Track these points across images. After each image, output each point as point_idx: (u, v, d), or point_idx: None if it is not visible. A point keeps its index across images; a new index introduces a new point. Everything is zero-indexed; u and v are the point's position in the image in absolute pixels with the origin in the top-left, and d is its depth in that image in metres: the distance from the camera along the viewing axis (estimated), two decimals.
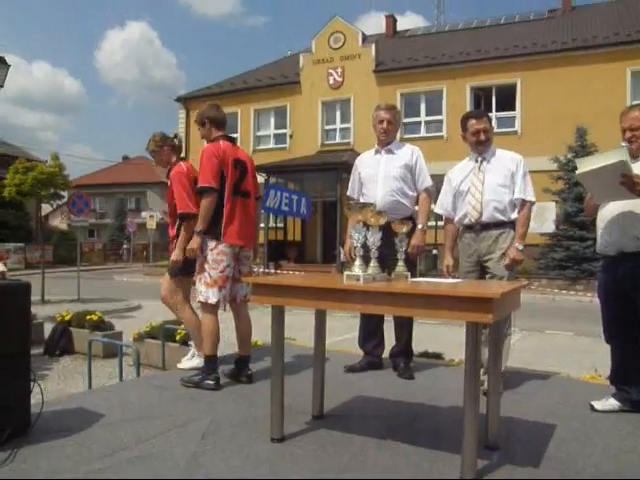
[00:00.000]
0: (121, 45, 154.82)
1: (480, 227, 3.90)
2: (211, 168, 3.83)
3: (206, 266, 3.88)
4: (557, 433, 3.02)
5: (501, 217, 3.86)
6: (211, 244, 3.86)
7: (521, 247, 3.82)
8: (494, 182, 3.87)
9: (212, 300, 3.86)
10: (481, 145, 3.96)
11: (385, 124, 4.26)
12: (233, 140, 4.16)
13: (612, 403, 3.41)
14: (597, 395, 3.53)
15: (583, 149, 16.87)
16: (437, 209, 4.28)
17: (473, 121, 3.99)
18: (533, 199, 3.89)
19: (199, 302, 3.94)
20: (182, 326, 6.36)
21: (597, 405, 3.43)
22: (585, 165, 3.10)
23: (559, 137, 17.02)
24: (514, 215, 3.89)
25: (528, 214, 3.89)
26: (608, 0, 24.04)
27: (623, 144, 3.30)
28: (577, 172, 3.14)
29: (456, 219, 4.08)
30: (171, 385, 3.96)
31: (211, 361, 3.89)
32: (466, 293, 2.37)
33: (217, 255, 3.86)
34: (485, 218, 3.87)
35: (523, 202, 3.87)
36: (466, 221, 3.97)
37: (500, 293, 2.24)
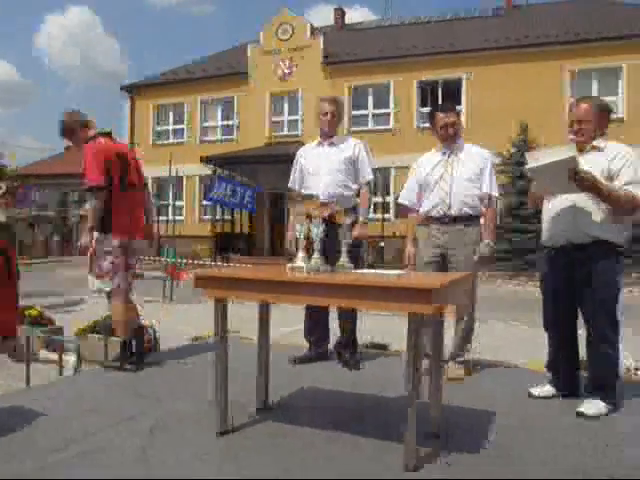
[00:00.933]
0: (62, 30, 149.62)
1: (448, 219, 3.95)
2: (97, 165, 3.93)
3: (97, 258, 4.04)
4: (498, 420, 3.10)
5: (469, 211, 3.94)
6: (100, 237, 4.01)
7: (492, 243, 3.91)
8: (463, 176, 3.94)
9: (106, 289, 4.07)
10: (449, 138, 4.01)
11: (329, 116, 4.27)
12: (109, 134, 4.22)
13: (548, 389, 3.53)
14: (536, 382, 3.64)
15: (525, 144, 17.32)
16: (401, 199, 4.31)
17: (441, 115, 4.03)
18: (498, 195, 4.01)
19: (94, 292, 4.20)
20: None
21: (534, 391, 3.54)
22: (535, 160, 3.16)
23: (503, 132, 17.43)
24: (481, 209, 3.98)
25: (496, 210, 4.02)
26: (549, 1, 24.74)
27: (571, 137, 3.37)
28: (527, 167, 3.19)
29: (422, 210, 4.10)
30: (115, 380, 3.89)
31: (124, 347, 4.12)
32: (406, 284, 2.40)
33: (107, 247, 4.02)
34: (453, 211, 3.93)
35: (490, 198, 3.96)
36: (433, 212, 4.00)
37: (440, 284, 2.28)
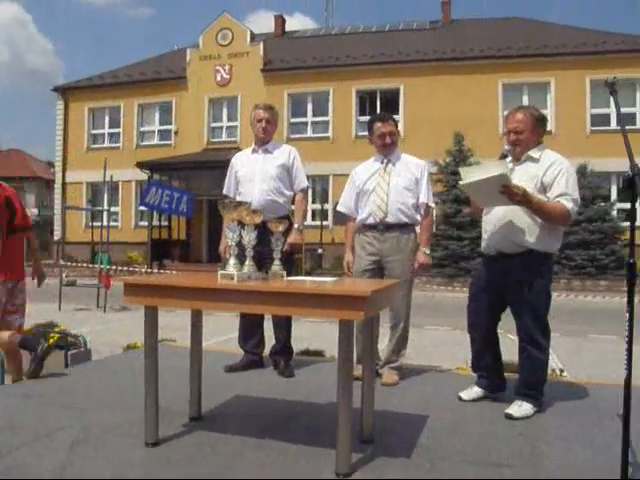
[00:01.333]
0: None
1: (384, 227, 3.99)
2: None
3: None
4: (429, 423, 3.15)
5: (405, 219, 3.99)
6: None
7: (428, 251, 3.99)
8: (399, 184, 3.99)
9: None
10: (386, 148, 4.07)
11: (264, 123, 4.27)
12: None
13: (476, 391, 3.62)
14: (467, 385, 3.72)
15: (461, 153, 17.84)
16: (339, 207, 4.35)
17: (379, 124, 4.09)
18: (434, 204, 4.11)
19: None
20: (56, 329, 6.04)
21: (463, 395, 3.62)
22: (468, 175, 3.23)
23: (439, 142, 17.86)
24: (416, 218, 4.05)
25: (432, 219, 4.11)
26: (485, 17, 25.60)
27: (506, 147, 3.46)
28: (461, 183, 3.26)
29: (359, 218, 4.15)
30: (40, 392, 3.72)
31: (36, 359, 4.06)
32: (338, 292, 2.41)
33: None
34: (389, 219, 3.97)
35: (427, 207, 4.04)
36: (370, 220, 4.04)
37: (371, 291, 2.31)
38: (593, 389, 3.98)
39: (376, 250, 4.02)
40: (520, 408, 3.30)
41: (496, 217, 3.45)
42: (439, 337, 7.97)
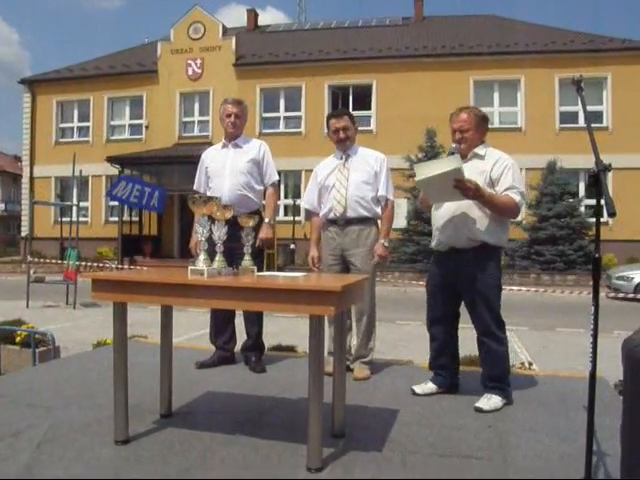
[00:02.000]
0: None
1: (344, 222, 4.03)
2: None
3: None
4: (399, 418, 3.17)
5: (365, 213, 4.03)
6: None
7: (387, 243, 4.02)
8: (358, 179, 4.03)
9: None
10: (341, 143, 4.12)
11: (233, 118, 4.26)
12: None
13: (430, 387, 3.66)
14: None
15: (432, 149, 17.95)
16: (303, 203, 4.41)
17: (333, 120, 4.16)
18: (393, 198, 4.13)
19: None
20: (23, 327, 5.94)
21: (417, 389, 3.65)
22: (423, 171, 3.25)
23: (411, 137, 17.96)
24: (377, 211, 4.08)
25: (392, 211, 4.13)
26: (457, 14, 25.80)
27: (453, 145, 3.54)
28: (416, 179, 3.29)
29: (321, 213, 4.18)
30: (5, 391, 3.64)
31: None
32: (308, 287, 2.42)
33: None
34: (349, 213, 4.01)
35: (387, 200, 4.07)
36: (331, 215, 4.08)
37: (341, 286, 2.31)
38: (560, 381, 4.06)
39: (337, 245, 4.07)
40: (489, 401, 3.35)
41: (447, 213, 3.52)
42: (411, 332, 8.03)
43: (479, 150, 3.52)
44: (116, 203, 17.72)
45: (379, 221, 4.16)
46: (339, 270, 4.06)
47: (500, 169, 3.41)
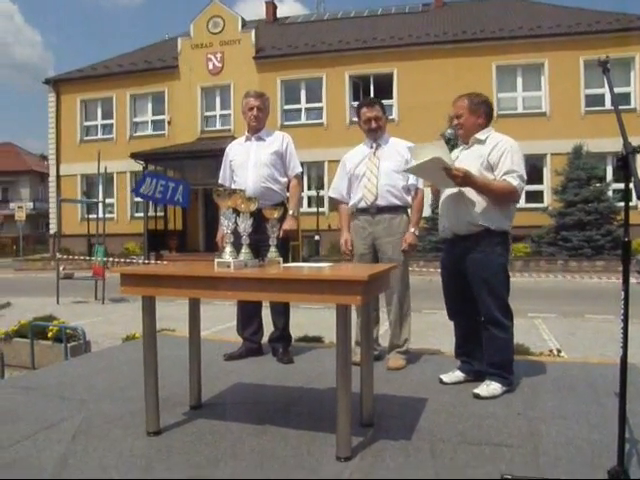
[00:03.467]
0: None
1: (375, 210, 4.03)
2: None
3: None
4: (428, 406, 3.17)
5: (395, 201, 4.02)
6: None
7: (417, 232, 4.00)
8: (389, 168, 4.02)
9: None
10: (372, 132, 4.10)
11: (255, 111, 4.27)
12: None
13: (457, 375, 3.65)
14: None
15: (455, 137, 17.76)
16: (331, 193, 4.40)
17: (365, 109, 4.13)
18: (423, 186, 4.10)
19: None
20: (55, 322, 6.06)
21: (445, 378, 3.64)
22: (417, 155, 3.31)
23: (433, 125, 17.76)
24: (407, 200, 4.07)
25: (422, 201, 4.11)
26: None
27: (449, 130, 3.66)
28: (406, 168, 3.39)
29: (351, 203, 4.18)
30: (40, 385, 3.74)
31: None
32: (335, 277, 2.42)
33: None
34: (380, 202, 4.00)
35: (417, 189, 4.05)
36: (361, 204, 4.07)
37: (367, 275, 2.31)
38: (590, 368, 4.01)
39: (368, 234, 4.06)
40: (488, 388, 3.33)
41: (449, 199, 3.52)
42: (438, 321, 7.98)
43: (480, 135, 3.48)
44: (141, 199, 17.91)
45: (409, 210, 4.14)
46: (370, 259, 4.05)
47: (499, 153, 3.37)
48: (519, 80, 20.25)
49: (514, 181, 3.31)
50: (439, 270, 3.77)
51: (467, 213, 3.41)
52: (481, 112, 3.51)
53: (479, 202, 3.38)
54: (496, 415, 3.03)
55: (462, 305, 3.59)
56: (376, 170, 4.03)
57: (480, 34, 20.54)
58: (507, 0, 24.13)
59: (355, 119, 21.31)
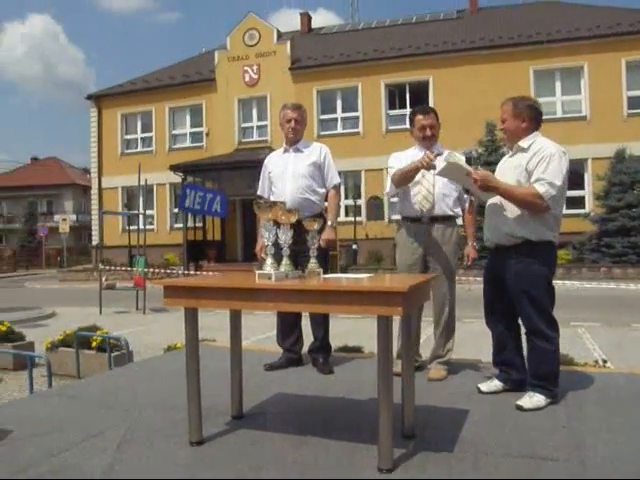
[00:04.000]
0: (22, 39, 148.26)
1: (429, 219, 3.95)
2: None
3: None
4: (470, 417, 3.13)
5: (449, 211, 3.97)
6: None
7: (477, 245, 3.95)
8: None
9: None
10: (427, 140, 4.03)
11: (293, 123, 4.29)
12: None
13: (496, 384, 3.59)
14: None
15: (493, 143, 17.61)
16: (388, 191, 4.15)
17: (420, 117, 4.07)
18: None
19: None
20: (98, 332, 6.18)
21: (483, 387, 3.59)
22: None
23: (470, 132, 17.66)
24: (458, 211, 4.03)
25: (473, 212, 4.09)
26: (512, 3, 25.20)
27: (467, 149, 3.62)
28: (436, 170, 3.49)
29: (402, 209, 4.09)
30: (86, 394, 3.83)
31: None
32: (375, 288, 2.42)
33: None
34: (436, 211, 3.94)
35: (471, 201, 4.03)
36: (415, 212, 3.98)
37: (408, 286, 2.30)
38: (637, 379, 3.91)
39: (421, 243, 3.98)
40: (531, 399, 3.26)
41: (489, 209, 3.49)
42: (477, 330, 7.86)
43: (523, 143, 3.39)
44: (185, 212, 18.17)
45: (458, 220, 4.08)
46: (419, 270, 3.95)
47: (536, 160, 3.28)
48: (558, 84, 19.94)
49: (541, 188, 3.21)
50: (478, 279, 3.74)
51: (505, 224, 3.37)
52: (525, 116, 3.41)
53: (517, 212, 3.32)
54: (540, 427, 2.97)
55: (500, 314, 3.55)
56: (432, 178, 3.90)
57: (517, 39, 20.31)
58: (543, 3, 23.88)
59: (392, 127, 21.29)
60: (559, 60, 19.53)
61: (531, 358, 3.40)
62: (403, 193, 4.06)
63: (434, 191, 3.93)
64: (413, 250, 4.01)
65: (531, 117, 3.43)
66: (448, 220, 3.99)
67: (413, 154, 4.07)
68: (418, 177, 3.90)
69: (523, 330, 3.50)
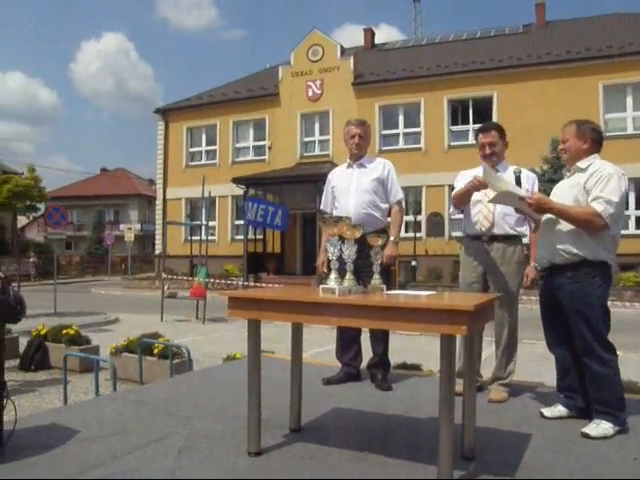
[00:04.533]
0: (97, 56, 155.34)
1: (488, 238, 3.92)
2: None
3: None
4: (532, 442, 3.05)
5: (510, 231, 3.91)
6: None
7: (539, 267, 3.86)
8: None
9: None
10: (486, 158, 4.00)
11: (357, 139, 4.32)
12: None
13: (560, 410, 3.48)
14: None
15: (558, 161, 17.13)
16: (452, 209, 4.29)
17: (480, 135, 4.07)
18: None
19: None
20: (160, 339, 6.34)
21: (546, 412, 3.49)
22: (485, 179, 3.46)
23: (535, 148, 17.27)
24: (522, 230, 3.95)
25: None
26: (579, 17, 24.58)
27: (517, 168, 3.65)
28: (487, 201, 3.55)
29: (464, 228, 4.11)
30: (149, 400, 3.94)
31: None
32: (440, 305, 2.39)
33: None
34: (496, 230, 3.90)
35: (537, 221, 3.91)
36: (475, 231, 3.96)
37: (474, 305, 2.27)
38: None
39: (480, 262, 3.93)
40: (598, 427, 3.14)
41: (545, 228, 3.41)
42: (539, 352, 7.64)
43: (581, 163, 3.35)
44: (241, 222, 18.47)
45: (522, 239, 4.00)
46: (479, 289, 3.91)
47: (594, 180, 3.22)
48: (629, 99, 19.26)
49: (599, 206, 3.15)
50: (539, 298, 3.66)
51: (561, 242, 3.30)
52: (587, 137, 3.38)
53: (573, 231, 3.26)
54: (608, 457, 2.86)
55: (560, 337, 3.45)
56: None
57: (585, 53, 19.76)
58: (612, 16, 23.19)
59: (454, 143, 21.07)
60: (630, 74, 18.85)
61: (590, 383, 3.29)
62: (466, 211, 4.04)
63: (494, 210, 3.88)
64: (472, 268, 3.97)
65: (593, 139, 3.40)
66: (510, 239, 3.91)
67: (478, 172, 4.02)
68: (479, 196, 3.87)
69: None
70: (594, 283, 3.25)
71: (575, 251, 3.25)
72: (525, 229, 3.98)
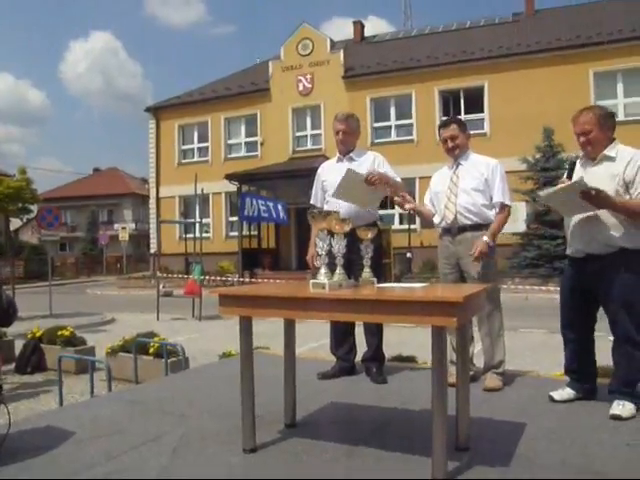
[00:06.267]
0: (85, 55, 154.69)
1: (457, 230, 3.99)
2: None
3: None
4: (526, 431, 3.05)
5: (477, 220, 3.94)
6: None
7: (491, 242, 3.86)
8: (467, 186, 3.97)
9: None
10: (449, 152, 4.10)
11: (341, 135, 4.34)
12: None
13: (568, 392, 3.54)
14: (558, 388, 3.62)
15: (550, 149, 17.19)
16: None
17: (441, 130, 4.15)
18: (510, 203, 4.00)
19: None
20: (156, 338, 6.33)
21: (555, 395, 3.55)
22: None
23: (527, 138, 17.29)
24: (489, 218, 3.96)
25: (506, 217, 4.00)
26: (569, 4, 24.56)
27: (573, 154, 3.48)
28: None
29: (436, 222, 4.17)
30: (143, 399, 3.93)
31: None
32: (429, 298, 2.40)
33: None
34: (460, 221, 3.96)
35: (502, 205, 3.96)
36: (443, 224, 4.06)
37: (463, 297, 2.28)
38: None
39: (451, 253, 4.03)
40: (624, 408, 3.19)
41: (582, 221, 3.40)
42: (535, 340, 7.69)
43: (609, 151, 3.34)
44: (235, 218, 18.42)
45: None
46: (455, 279, 4.01)
47: (634, 170, 3.23)
48: (619, 86, 19.26)
49: None
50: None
51: (601, 233, 3.31)
52: (610, 125, 3.40)
53: (614, 222, 3.27)
54: (602, 443, 2.87)
55: (577, 320, 3.51)
56: (455, 189, 4.00)
57: (575, 40, 19.72)
58: (602, 2, 23.12)
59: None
60: (621, 61, 18.85)
61: (622, 365, 3.33)
62: (436, 205, 4.15)
63: (456, 202, 3.96)
64: (446, 260, 4.07)
65: (613, 126, 3.42)
66: (477, 229, 3.94)
67: (442, 172, 4.22)
68: (444, 190, 4.04)
69: (611, 338, 3.42)
70: (635, 271, 3.28)
71: (618, 242, 3.27)
72: (492, 215, 3.97)
